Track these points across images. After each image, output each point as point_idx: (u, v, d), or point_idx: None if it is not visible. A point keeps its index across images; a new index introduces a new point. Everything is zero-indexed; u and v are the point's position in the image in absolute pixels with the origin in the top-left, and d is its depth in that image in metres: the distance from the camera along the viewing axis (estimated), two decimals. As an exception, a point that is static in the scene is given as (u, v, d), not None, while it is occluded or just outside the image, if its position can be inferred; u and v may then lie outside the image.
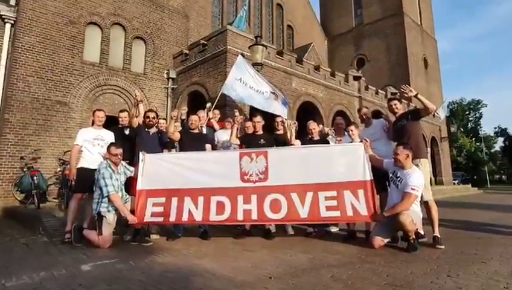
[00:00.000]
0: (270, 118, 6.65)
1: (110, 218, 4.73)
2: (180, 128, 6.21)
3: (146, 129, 5.57)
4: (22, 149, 9.72)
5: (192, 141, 5.58)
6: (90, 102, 11.34)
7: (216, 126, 7.15)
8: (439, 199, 13.43)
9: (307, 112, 13.53)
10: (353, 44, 27.93)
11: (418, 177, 4.37)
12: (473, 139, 45.70)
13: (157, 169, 5.12)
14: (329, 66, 23.88)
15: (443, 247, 4.39)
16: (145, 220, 4.92)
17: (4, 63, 10.14)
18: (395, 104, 5.29)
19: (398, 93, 17.01)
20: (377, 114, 15.68)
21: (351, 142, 5.19)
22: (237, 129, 5.95)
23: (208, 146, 5.80)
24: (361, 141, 4.96)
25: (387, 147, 5.20)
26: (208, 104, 8.06)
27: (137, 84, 12.45)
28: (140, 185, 5.03)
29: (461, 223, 6.83)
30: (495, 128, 55.14)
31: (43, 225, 5.70)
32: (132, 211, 4.88)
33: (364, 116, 5.67)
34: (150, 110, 5.75)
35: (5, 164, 9.42)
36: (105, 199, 4.73)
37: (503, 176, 59.09)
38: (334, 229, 5.87)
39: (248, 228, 5.47)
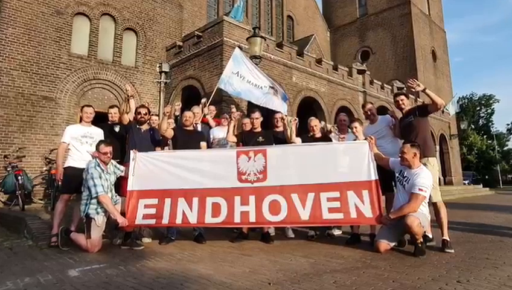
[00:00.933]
0: (269, 114, 6.64)
1: (99, 220, 4.72)
2: (173, 125, 6.19)
3: (137, 126, 5.55)
4: (5, 147, 9.70)
5: (186, 139, 5.57)
6: (78, 97, 11.32)
7: (212, 123, 7.14)
8: (449, 200, 13.45)
9: (308, 108, 13.53)
10: (357, 36, 27.92)
11: (426, 177, 4.36)
12: (485, 136, 45.79)
13: (149, 168, 5.10)
14: (331, 59, 23.91)
15: (453, 251, 4.39)
16: (136, 223, 4.91)
17: (-14, 55, 10.09)
18: (401, 100, 5.28)
19: (405, 88, 17.04)
20: (382, 110, 15.73)
21: (355, 139, 5.18)
22: (234, 126, 5.94)
23: (203, 144, 5.79)
24: (365, 139, 4.96)
25: (394, 145, 5.20)
26: (203, 100, 8.03)
27: (128, 78, 12.43)
28: (131, 185, 5.01)
29: (472, 226, 6.83)
30: (508, 125, 55.28)
31: (28, 228, 5.67)
32: (122, 213, 4.86)
33: (369, 112, 5.66)
34: (142, 106, 5.74)
35: (-13, 163, 9.39)
36: (94, 200, 4.71)
37: (517, 176, 59.22)
38: (337, 232, 5.88)
39: (245, 231, 5.46)
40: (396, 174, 4.67)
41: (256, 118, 5.78)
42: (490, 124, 51.41)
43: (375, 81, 17.98)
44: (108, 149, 4.91)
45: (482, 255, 4.28)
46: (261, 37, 10.15)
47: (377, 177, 4.69)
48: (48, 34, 10.86)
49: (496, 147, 44.49)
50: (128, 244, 4.92)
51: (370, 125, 5.70)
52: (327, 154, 5.01)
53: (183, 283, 3.30)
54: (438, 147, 22.65)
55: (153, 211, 4.92)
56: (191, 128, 5.82)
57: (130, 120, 5.61)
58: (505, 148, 52.78)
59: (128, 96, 5.74)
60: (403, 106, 5.28)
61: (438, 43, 28.10)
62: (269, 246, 5.04)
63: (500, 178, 40.26)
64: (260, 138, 5.65)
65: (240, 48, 9.55)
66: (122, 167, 5.22)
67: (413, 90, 5.05)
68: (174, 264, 4.01)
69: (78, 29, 11.67)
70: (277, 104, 9.17)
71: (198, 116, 6.63)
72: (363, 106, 5.93)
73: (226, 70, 8.74)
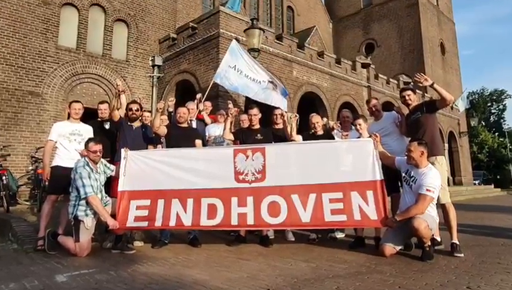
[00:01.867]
0: (268, 111, 6.63)
1: (88, 223, 4.71)
2: (167, 121, 6.18)
3: (129, 123, 5.54)
4: (-12, 145, 9.67)
5: (180, 136, 5.56)
6: (66, 92, 11.29)
7: (207, 119, 7.12)
8: (458, 201, 13.49)
9: (309, 104, 13.53)
10: (361, 27, 27.91)
11: (434, 176, 4.36)
12: (496, 134, 45.84)
13: (142, 168, 5.09)
14: (334, 52, 23.91)
15: (462, 255, 4.39)
16: (127, 225, 4.90)
17: (-32, 48, 10.06)
18: (408, 95, 5.28)
19: (412, 83, 17.04)
20: (388, 106, 15.74)
21: (359, 137, 5.18)
22: (231, 123, 5.93)
23: (198, 142, 5.77)
24: (370, 136, 4.95)
25: (400, 143, 5.20)
26: (198, 95, 8.02)
27: (119, 73, 12.41)
28: (122, 185, 5.00)
29: (482, 229, 6.85)
30: (520, 121, 55.29)
31: (13, 231, 5.67)
32: (113, 215, 4.85)
33: (373, 109, 5.66)
34: (133, 102, 5.74)
35: (-30, 162, 9.36)
36: (83, 202, 4.70)
37: (530, 176, 59.18)
38: (339, 235, 5.88)
39: (243, 234, 5.45)
40: (403, 174, 4.66)
41: (255, 115, 5.77)
42: (502, 120, 51.42)
43: (380, 75, 17.98)
44: (98, 147, 4.89)
45: (493, 259, 4.29)
46: (260, 28, 10.12)
47: (382, 177, 4.69)
48: (34, 26, 10.83)
49: (508, 145, 44.44)
50: (119, 248, 4.91)
51: (375, 122, 5.69)
52: (329, 153, 5.01)
53: (177, 288, 3.30)
54: (446, 145, 22.67)
55: (145, 212, 4.91)
56: (185, 125, 5.80)
57: (121, 117, 5.59)
58: (518, 147, 52.82)
59: (118, 91, 5.72)
60: (409, 102, 5.27)
61: (446, 35, 28.12)
62: (268, 249, 5.03)
63: (512, 178, 40.21)
64: (259, 135, 5.64)
65: (237, 40, 9.54)
66: (112, 166, 5.20)
67: (421, 85, 5.05)
68: (167, 269, 4.01)
69: (66, 21, 11.63)
70: (276, 99, 9.16)
71: (193, 112, 6.62)
72: (368, 102, 5.93)
73: (222, 64, 8.72)
